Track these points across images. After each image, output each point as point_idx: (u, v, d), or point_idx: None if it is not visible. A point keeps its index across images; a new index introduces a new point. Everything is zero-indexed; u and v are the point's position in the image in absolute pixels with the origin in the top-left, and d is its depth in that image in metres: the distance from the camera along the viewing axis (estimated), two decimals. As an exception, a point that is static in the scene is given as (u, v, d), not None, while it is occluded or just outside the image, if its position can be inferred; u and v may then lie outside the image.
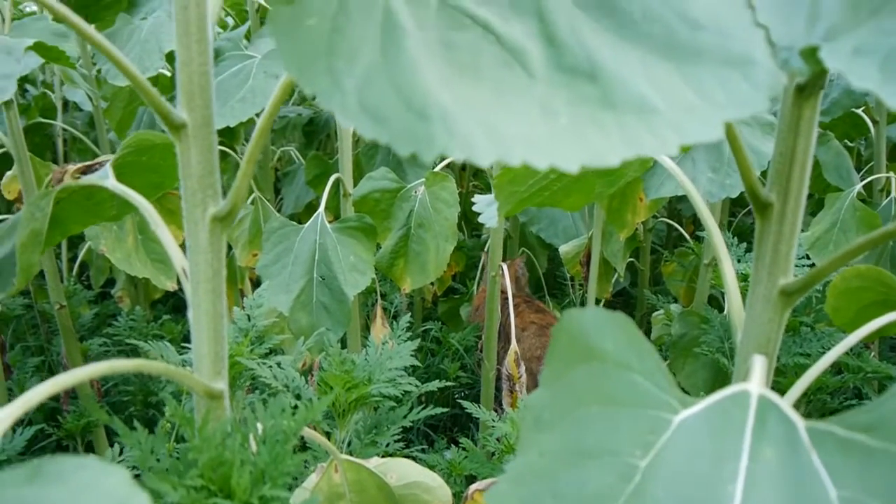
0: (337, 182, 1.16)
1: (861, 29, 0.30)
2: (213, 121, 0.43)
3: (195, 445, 0.41)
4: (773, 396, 0.33)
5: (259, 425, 0.45)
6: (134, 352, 1.57)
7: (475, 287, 1.72)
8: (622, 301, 2.06)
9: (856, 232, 1.18)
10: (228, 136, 1.56)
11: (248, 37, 1.47)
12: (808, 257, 1.19)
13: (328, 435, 0.73)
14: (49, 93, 1.98)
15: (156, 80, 1.31)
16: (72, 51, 1.11)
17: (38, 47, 0.92)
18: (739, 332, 0.45)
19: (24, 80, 2.00)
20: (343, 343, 1.15)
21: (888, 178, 1.42)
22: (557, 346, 0.34)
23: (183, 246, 0.46)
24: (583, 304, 1.72)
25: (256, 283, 1.51)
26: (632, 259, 1.66)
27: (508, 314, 1.27)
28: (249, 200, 1.45)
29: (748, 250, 1.19)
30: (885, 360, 1.31)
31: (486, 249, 1.54)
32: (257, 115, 1.04)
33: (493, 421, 0.86)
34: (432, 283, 1.74)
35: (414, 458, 0.73)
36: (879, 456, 0.28)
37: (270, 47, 1.13)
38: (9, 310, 1.62)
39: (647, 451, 0.30)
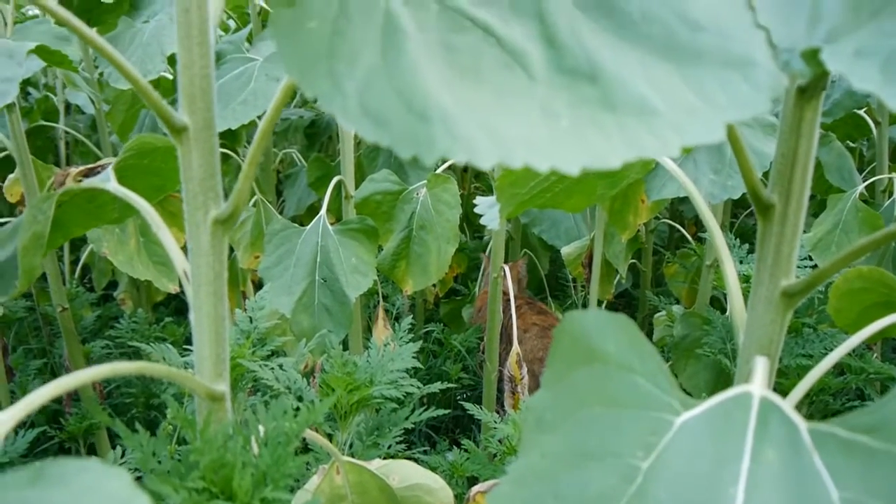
0: (339, 184, 1.16)
1: (862, 31, 0.30)
2: (215, 123, 0.43)
3: (197, 447, 0.41)
4: (775, 398, 0.33)
5: (261, 427, 0.45)
6: (136, 354, 1.57)
7: (477, 289, 1.72)
8: (624, 302, 2.06)
9: (858, 233, 1.17)
10: (230, 138, 1.56)
11: (249, 40, 1.47)
12: (810, 258, 1.19)
13: (330, 437, 0.73)
14: (51, 96, 1.99)
15: (157, 84, 1.31)
16: (74, 54, 1.12)
17: (41, 51, 0.92)
18: (741, 334, 0.45)
19: (26, 83, 2.01)
20: (345, 345, 1.15)
21: (890, 180, 1.42)
22: (559, 348, 0.34)
23: (185, 248, 0.46)
24: (585, 305, 1.72)
25: (258, 286, 1.51)
26: (634, 260, 1.66)
27: (510, 316, 1.27)
28: (251, 203, 1.45)
29: (750, 252, 1.19)
30: (888, 362, 1.30)
31: (487, 251, 1.54)
32: (259, 117, 1.04)
33: (495, 422, 0.86)
34: (434, 285, 1.73)
35: (416, 460, 0.73)
36: (882, 457, 0.28)
37: (272, 50, 1.13)
38: (11, 312, 1.62)
39: (648, 452, 0.30)
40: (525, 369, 1.21)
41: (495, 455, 0.90)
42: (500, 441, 0.87)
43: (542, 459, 0.30)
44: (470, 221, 1.96)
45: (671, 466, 0.29)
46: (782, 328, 0.44)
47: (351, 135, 1.18)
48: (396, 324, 0.87)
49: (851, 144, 1.71)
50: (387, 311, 1.66)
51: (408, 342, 0.78)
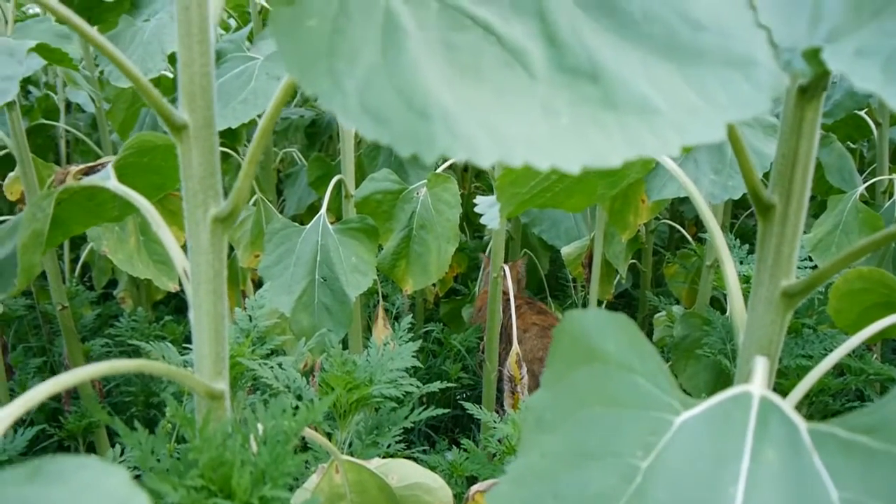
0: (339, 183, 1.16)
1: (863, 30, 0.30)
2: (215, 121, 0.43)
3: (196, 446, 0.41)
4: (775, 398, 0.32)
5: (260, 426, 0.45)
6: (136, 352, 1.57)
7: (477, 288, 1.72)
8: (624, 302, 2.06)
9: (858, 234, 1.17)
10: (230, 137, 1.56)
11: (250, 38, 1.47)
12: (810, 259, 1.19)
13: (329, 436, 0.73)
14: (52, 94, 1.99)
15: (158, 82, 1.31)
16: (74, 52, 1.12)
17: (41, 49, 0.92)
18: (741, 334, 0.45)
19: (26, 82, 2.01)
20: (344, 344, 1.15)
21: (891, 181, 1.42)
22: (559, 348, 0.34)
23: (184, 247, 0.46)
24: (584, 305, 1.72)
25: (258, 285, 1.51)
26: (634, 261, 1.66)
27: (510, 315, 1.27)
28: (252, 202, 1.45)
29: (750, 252, 1.19)
30: (887, 362, 1.31)
31: (487, 251, 1.54)
32: (259, 116, 1.04)
33: (495, 422, 0.86)
34: (434, 285, 1.73)
35: (415, 459, 0.73)
36: (881, 457, 0.28)
37: (273, 49, 1.13)
38: (11, 310, 1.62)
39: (648, 452, 0.30)
40: (525, 369, 1.21)
41: (494, 455, 0.90)
42: (499, 441, 0.87)
43: (542, 459, 0.30)
44: (470, 221, 1.96)
45: (671, 466, 0.29)
46: (782, 328, 0.44)
47: (351, 134, 1.18)
48: (396, 323, 0.87)
49: (852, 145, 1.71)
50: (386, 310, 1.66)
51: (407, 341, 0.78)
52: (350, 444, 0.73)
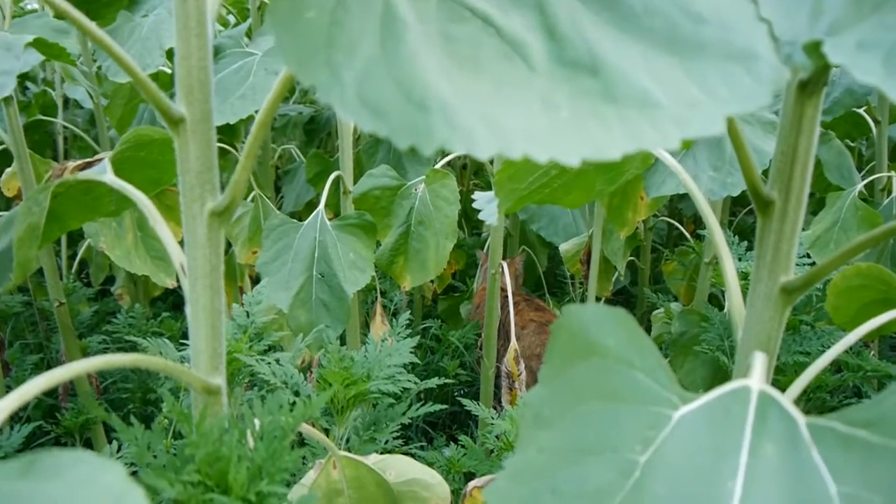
0: (337, 180, 1.16)
1: (864, 24, 0.30)
2: (212, 115, 0.43)
3: (192, 441, 0.41)
4: (774, 392, 0.32)
5: (257, 421, 0.44)
6: (133, 349, 1.56)
7: (475, 285, 1.72)
8: (622, 299, 2.06)
9: (857, 231, 1.17)
10: (228, 133, 1.56)
11: (248, 34, 1.47)
12: (808, 256, 1.19)
13: (327, 431, 0.72)
14: (49, 90, 1.98)
15: (156, 78, 1.30)
16: (72, 48, 1.11)
17: (39, 44, 0.92)
18: (740, 330, 0.45)
19: (24, 78, 2.00)
20: (342, 340, 1.15)
21: (889, 178, 1.42)
22: (557, 343, 0.33)
23: (182, 243, 0.46)
24: (583, 302, 1.71)
25: (256, 281, 1.51)
26: (632, 258, 1.66)
27: (508, 312, 1.27)
28: (249, 198, 1.45)
29: (749, 249, 1.19)
30: (885, 359, 1.31)
31: (485, 248, 1.54)
32: (257, 112, 1.04)
33: (493, 418, 0.86)
34: (432, 281, 1.74)
35: (413, 455, 0.73)
36: (880, 452, 0.28)
37: (271, 44, 1.13)
38: (8, 307, 1.62)
39: (646, 446, 0.30)
40: (522, 365, 1.21)
41: (492, 451, 0.90)
42: (497, 437, 0.87)
43: (540, 455, 0.30)
44: (468, 218, 1.96)
45: (669, 461, 0.29)
46: (781, 324, 0.44)
47: (350, 130, 1.17)
48: (394, 319, 0.86)
49: (850, 143, 1.71)
50: (384, 306, 1.65)
51: (405, 338, 0.78)
52: (348, 440, 0.73)
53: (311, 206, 1.75)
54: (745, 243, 1.20)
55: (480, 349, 1.40)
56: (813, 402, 1.17)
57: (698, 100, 0.28)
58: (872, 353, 1.26)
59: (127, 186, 0.53)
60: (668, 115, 0.27)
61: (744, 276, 1.06)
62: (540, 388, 0.32)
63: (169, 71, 1.38)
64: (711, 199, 0.96)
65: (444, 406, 0.86)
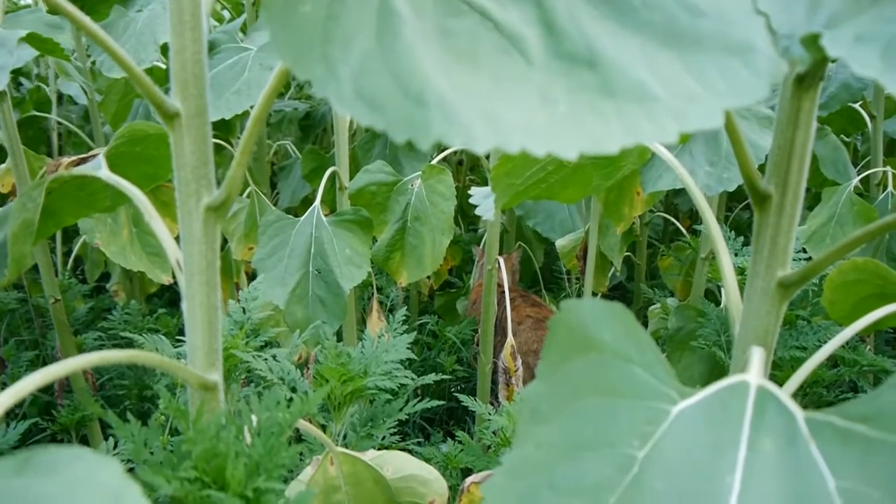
0: (333, 175, 1.15)
1: (862, 16, 0.30)
2: (208, 110, 0.43)
3: (189, 437, 0.41)
4: (772, 387, 0.32)
5: (254, 417, 0.44)
6: (129, 345, 1.55)
7: (471, 281, 1.72)
8: (618, 295, 2.06)
9: (852, 226, 1.18)
10: (224, 129, 1.55)
11: (243, 29, 1.46)
12: (804, 251, 1.19)
13: (324, 428, 0.72)
14: (43, 86, 1.97)
15: (150, 73, 1.30)
16: (66, 43, 1.11)
17: (32, 38, 0.92)
18: (737, 325, 0.45)
19: (18, 73, 1.99)
20: (339, 336, 1.15)
21: (885, 173, 1.42)
22: (555, 338, 0.33)
23: (178, 238, 0.46)
24: (579, 297, 1.71)
25: (252, 277, 1.50)
26: (628, 253, 1.66)
27: (505, 308, 1.27)
28: (245, 194, 1.45)
29: (745, 244, 1.19)
30: (881, 354, 1.31)
31: (482, 243, 1.54)
32: (253, 107, 1.03)
33: (490, 414, 0.86)
34: (428, 277, 1.73)
35: (410, 451, 0.73)
36: (878, 446, 0.28)
37: (266, 40, 1.12)
38: (3, 303, 1.61)
39: (645, 441, 0.30)
40: (519, 361, 1.21)
41: (489, 447, 0.90)
42: (494, 433, 0.87)
43: (538, 450, 0.30)
44: (464, 213, 1.96)
45: (667, 456, 0.29)
46: (778, 319, 0.44)
47: (345, 126, 1.17)
48: (391, 315, 0.86)
49: (846, 138, 1.72)
50: (381, 302, 1.65)
51: (402, 334, 0.78)
52: (345, 436, 0.73)
53: (307, 202, 1.74)
54: (742, 238, 1.20)
55: (477, 345, 1.40)
56: (809, 396, 1.17)
57: (696, 93, 0.28)
58: (868, 347, 1.26)
59: (122, 182, 0.53)
60: (666, 108, 0.27)
61: (740, 272, 1.06)
62: (537, 383, 0.32)
63: (163, 66, 1.37)
64: (708, 195, 0.96)
65: (441, 402, 0.86)
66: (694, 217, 2.13)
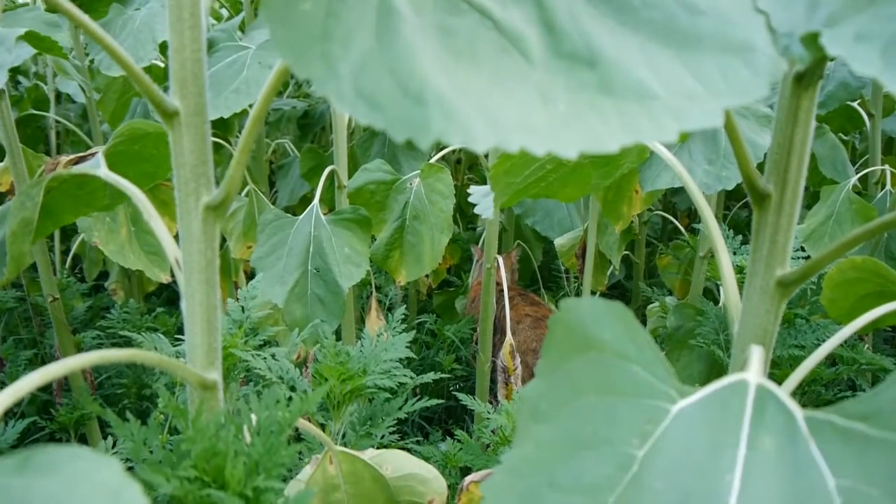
0: (332, 174, 1.15)
1: (862, 15, 0.30)
2: (207, 108, 0.43)
3: (189, 436, 0.41)
4: (772, 386, 0.32)
5: (253, 416, 0.44)
6: (128, 344, 1.55)
7: (470, 280, 1.72)
8: (617, 294, 2.06)
9: (851, 224, 1.18)
10: (223, 128, 1.55)
11: (242, 28, 1.46)
12: (802, 249, 1.20)
13: (323, 427, 0.72)
14: (42, 84, 1.97)
15: (149, 71, 1.30)
16: (64, 41, 1.10)
17: (30, 37, 0.91)
18: (736, 323, 0.45)
19: (16, 72, 1.99)
20: (338, 335, 1.15)
21: (883, 171, 1.42)
22: (555, 337, 0.33)
23: (177, 237, 0.46)
24: (578, 296, 1.71)
25: (251, 276, 1.50)
26: (627, 252, 1.66)
27: (504, 306, 1.27)
28: (244, 193, 1.45)
29: (744, 243, 1.19)
30: (879, 352, 1.31)
31: (480, 242, 1.54)
32: (251, 106, 1.03)
33: (489, 413, 0.86)
34: (427, 276, 1.73)
35: (409, 450, 0.73)
36: (877, 444, 0.28)
37: (265, 38, 1.12)
38: (1, 302, 1.61)
39: (644, 440, 0.30)
40: (518, 360, 1.21)
41: (488, 445, 0.90)
42: (493, 431, 0.87)
43: (537, 449, 0.30)
44: (463, 212, 1.96)
45: (667, 454, 0.29)
46: (777, 317, 0.44)
47: (344, 125, 1.17)
48: (389, 314, 0.86)
49: (844, 137, 1.72)
50: (380, 301, 1.65)
51: (401, 332, 0.78)
52: (344, 435, 0.73)
53: (306, 200, 1.74)
54: (740, 237, 1.20)
55: (476, 344, 1.40)
56: (808, 395, 1.17)
57: (696, 92, 0.28)
58: (867, 346, 1.26)
59: (121, 180, 0.53)
60: (665, 107, 0.27)
61: (739, 270, 1.06)
62: (537, 382, 0.32)
63: (162, 65, 1.37)
64: (706, 193, 0.97)
65: (440, 401, 0.86)
66: (692, 216, 2.13)
